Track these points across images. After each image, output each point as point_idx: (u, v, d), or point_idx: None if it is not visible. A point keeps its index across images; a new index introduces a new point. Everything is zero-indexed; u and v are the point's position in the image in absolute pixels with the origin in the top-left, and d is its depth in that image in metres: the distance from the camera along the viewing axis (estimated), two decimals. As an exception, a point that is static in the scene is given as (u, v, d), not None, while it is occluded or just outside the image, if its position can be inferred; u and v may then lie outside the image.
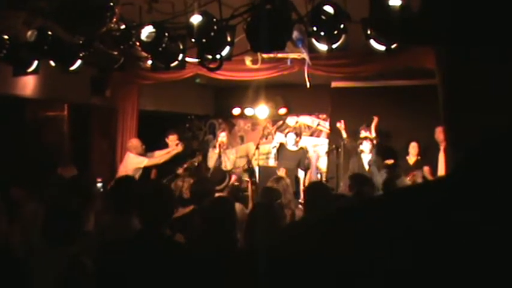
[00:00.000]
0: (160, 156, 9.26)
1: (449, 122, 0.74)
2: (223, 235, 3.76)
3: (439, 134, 8.87)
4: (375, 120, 9.77)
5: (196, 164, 9.65)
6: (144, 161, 8.99)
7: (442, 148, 8.82)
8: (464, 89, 0.70)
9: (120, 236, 4.10)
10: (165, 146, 9.88)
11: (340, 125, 9.97)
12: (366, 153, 9.34)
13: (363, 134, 9.70)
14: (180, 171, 9.23)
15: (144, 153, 9.15)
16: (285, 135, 10.52)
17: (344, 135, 9.90)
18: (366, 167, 9.22)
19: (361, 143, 9.48)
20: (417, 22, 0.75)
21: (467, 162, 0.68)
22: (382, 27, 5.22)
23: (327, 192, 5.18)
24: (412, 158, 9.55)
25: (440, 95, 0.74)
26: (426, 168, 9.12)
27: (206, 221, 3.95)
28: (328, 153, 10.81)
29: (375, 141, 9.51)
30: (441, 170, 8.80)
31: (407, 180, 8.87)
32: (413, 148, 9.55)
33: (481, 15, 0.65)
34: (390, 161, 9.61)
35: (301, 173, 9.64)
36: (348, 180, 6.96)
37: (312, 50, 5.96)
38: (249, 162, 9.86)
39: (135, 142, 9.22)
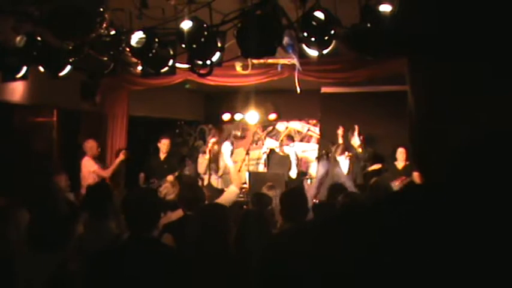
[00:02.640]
0: (107, 170, 9.14)
1: (417, 131, 0.73)
2: (216, 241, 3.74)
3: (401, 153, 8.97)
4: (356, 129, 9.79)
5: (186, 172, 9.64)
6: (93, 167, 8.93)
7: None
8: (435, 99, 0.70)
9: (98, 241, 4.09)
10: (157, 150, 9.87)
11: (340, 132, 9.94)
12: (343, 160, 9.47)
13: (353, 141, 9.74)
14: (170, 178, 9.20)
15: (98, 156, 9.11)
16: (288, 145, 10.54)
17: (340, 141, 9.89)
18: (345, 171, 9.34)
19: (335, 155, 9.59)
20: (389, 32, 0.75)
21: (455, 168, 0.68)
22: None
23: (304, 199, 5.14)
24: (400, 163, 9.56)
25: (411, 105, 0.74)
26: (416, 174, 9.13)
27: (200, 226, 3.93)
28: (318, 158, 10.82)
29: (351, 151, 9.60)
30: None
31: (396, 186, 8.93)
32: (400, 153, 9.55)
33: (459, 22, 0.65)
34: (378, 166, 9.63)
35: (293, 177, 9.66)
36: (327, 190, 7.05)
37: (302, 55, 5.97)
38: None
39: (90, 143, 9.13)
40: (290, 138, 10.62)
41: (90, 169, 8.86)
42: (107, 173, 9.04)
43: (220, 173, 9.85)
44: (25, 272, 3.35)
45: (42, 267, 3.33)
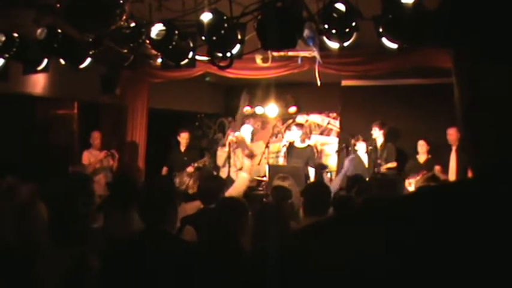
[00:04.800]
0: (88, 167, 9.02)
1: (466, 122, 0.71)
2: (228, 236, 3.73)
3: (451, 135, 8.81)
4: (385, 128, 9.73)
5: (206, 164, 9.67)
6: (85, 161, 8.99)
7: (453, 149, 8.75)
8: (483, 90, 0.67)
9: (122, 232, 4.09)
10: (177, 143, 9.94)
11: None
12: (362, 152, 9.42)
13: (376, 131, 9.66)
14: (190, 169, 9.24)
15: (101, 148, 9.15)
16: (289, 129, 10.58)
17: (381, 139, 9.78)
18: (366, 164, 9.32)
19: (355, 144, 9.54)
20: (435, 22, 0.73)
21: (496, 166, 0.66)
22: (396, 27, 5.17)
23: (327, 192, 5.10)
24: (422, 157, 9.47)
25: (457, 95, 0.72)
26: (438, 168, 9.05)
27: (216, 221, 3.91)
28: (338, 152, 10.77)
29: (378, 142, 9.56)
30: (452, 171, 8.74)
31: (417, 180, 8.85)
32: (421, 147, 9.47)
33: (501, 17, 0.63)
34: (393, 164, 9.52)
35: (311, 171, 9.62)
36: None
37: (323, 48, 5.93)
38: None
39: (93, 135, 9.18)
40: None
41: (84, 162, 8.95)
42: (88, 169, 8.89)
43: (239, 165, 9.84)
44: (46, 266, 3.36)
45: (63, 260, 3.34)
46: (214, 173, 9.69)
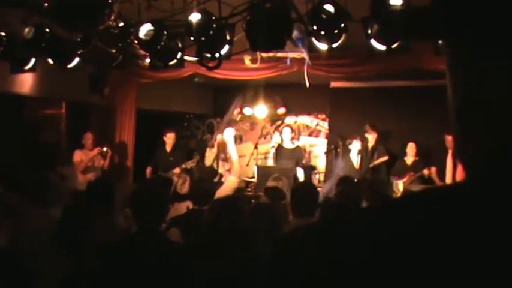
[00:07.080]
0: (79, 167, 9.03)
1: (460, 122, 0.71)
2: (227, 236, 3.71)
3: (450, 142, 8.76)
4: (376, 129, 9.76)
5: (194, 164, 9.65)
6: (77, 158, 8.99)
7: (450, 153, 8.77)
8: (478, 89, 0.67)
9: (111, 235, 4.07)
10: (162, 144, 9.90)
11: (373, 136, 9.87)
12: (354, 152, 9.44)
13: (367, 135, 9.70)
14: (177, 170, 9.21)
15: (92, 148, 9.11)
16: (280, 133, 10.56)
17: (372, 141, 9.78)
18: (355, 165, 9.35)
19: (350, 143, 9.56)
20: (427, 16, 0.73)
21: (489, 168, 0.65)
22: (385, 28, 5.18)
23: (315, 194, 5.09)
24: (410, 159, 9.52)
25: (451, 95, 0.72)
26: (433, 169, 9.08)
27: (214, 221, 3.88)
28: (327, 153, 10.80)
29: (369, 143, 9.59)
30: (449, 175, 8.77)
31: (404, 182, 8.93)
32: (410, 148, 9.52)
33: (495, 11, 0.63)
34: (384, 158, 9.57)
35: (300, 172, 9.62)
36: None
37: (311, 49, 5.93)
38: None
39: (85, 136, 9.16)
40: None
41: (75, 160, 8.93)
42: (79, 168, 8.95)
43: (227, 167, 9.85)
44: (44, 269, 3.34)
45: (60, 264, 3.33)
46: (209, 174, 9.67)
